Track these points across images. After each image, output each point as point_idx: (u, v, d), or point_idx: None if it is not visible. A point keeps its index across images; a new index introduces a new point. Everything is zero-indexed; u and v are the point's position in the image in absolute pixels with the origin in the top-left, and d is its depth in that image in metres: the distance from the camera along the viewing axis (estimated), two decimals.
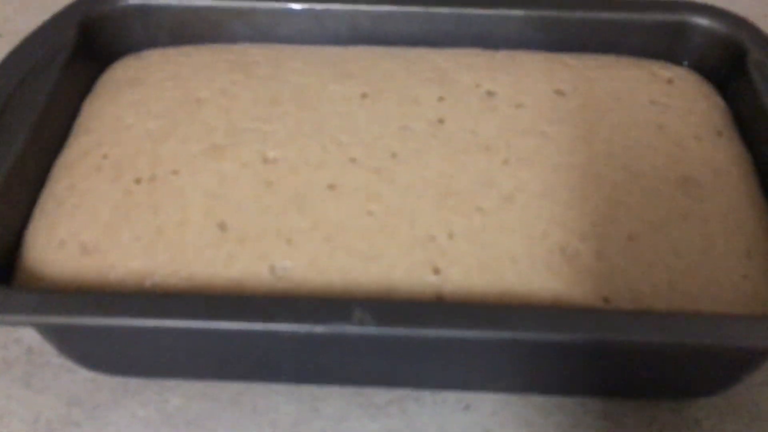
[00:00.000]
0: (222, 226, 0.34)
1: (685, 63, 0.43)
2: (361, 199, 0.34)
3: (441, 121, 0.38)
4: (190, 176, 0.35)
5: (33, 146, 0.37)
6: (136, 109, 0.39)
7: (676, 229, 0.33)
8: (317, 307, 0.29)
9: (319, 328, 0.29)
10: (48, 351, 0.39)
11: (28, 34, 0.41)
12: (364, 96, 0.39)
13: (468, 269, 0.32)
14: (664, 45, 0.43)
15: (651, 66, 0.41)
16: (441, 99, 0.39)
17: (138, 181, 0.35)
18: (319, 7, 0.43)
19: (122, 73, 0.42)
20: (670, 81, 0.40)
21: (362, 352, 0.33)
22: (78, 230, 0.34)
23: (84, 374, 0.38)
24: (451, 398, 0.37)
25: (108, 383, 0.38)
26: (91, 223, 0.34)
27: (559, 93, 0.39)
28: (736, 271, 0.32)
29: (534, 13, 0.43)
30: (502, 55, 0.42)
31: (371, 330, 0.29)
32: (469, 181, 0.35)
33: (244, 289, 0.32)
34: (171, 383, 0.38)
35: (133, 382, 0.38)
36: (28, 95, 0.38)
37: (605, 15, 0.43)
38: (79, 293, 0.31)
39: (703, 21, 0.42)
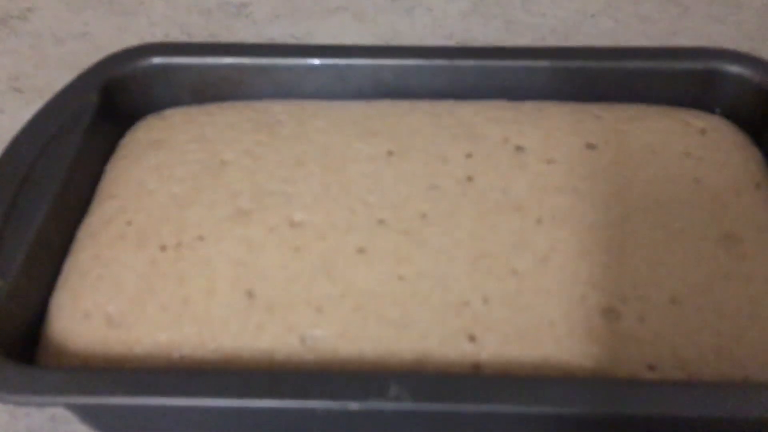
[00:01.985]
0: (250, 295, 0.33)
1: (718, 111, 0.42)
2: (391, 264, 0.33)
3: (470, 179, 0.37)
4: (215, 243, 0.35)
5: (56, 214, 0.36)
6: (159, 173, 0.38)
7: (720, 291, 0.32)
8: (352, 383, 0.28)
9: (353, 405, 0.28)
10: (71, 418, 0.38)
11: (51, 97, 0.41)
12: (390, 154, 0.38)
13: (505, 336, 0.31)
14: (695, 93, 0.42)
15: (683, 115, 0.40)
16: (469, 156, 0.38)
17: (163, 248, 0.35)
18: (341, 62, 0.43)
19: (145, 134, 0.41)
20: (703, 131, 0.39)
21: (396, 425, 0.32)
22: (103, 302, 0.33)
23: None
24: None
25: None
26: (116, 295, 0.33)
27: (591, 147, 0.38)
28: None
29: (560, 64, 0.42)
30: (529, 108, 0.41)
31: (408, 406, 0.27)
32: (501, 242, 0.34)
33: (274, 360, 0.31)
34: None
35: None
36: (51, 161, 0.38)
37: (633, 64, 0.42)
38: (104, 372, 0.30)
39: (733, 68, 0.41)
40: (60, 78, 0.44)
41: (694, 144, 0.38)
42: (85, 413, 0.34)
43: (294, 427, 0.33)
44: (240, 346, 0.31)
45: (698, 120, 0.40)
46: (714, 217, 0.35)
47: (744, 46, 0.43)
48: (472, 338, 0.31)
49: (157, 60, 0.43)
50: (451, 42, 0.58)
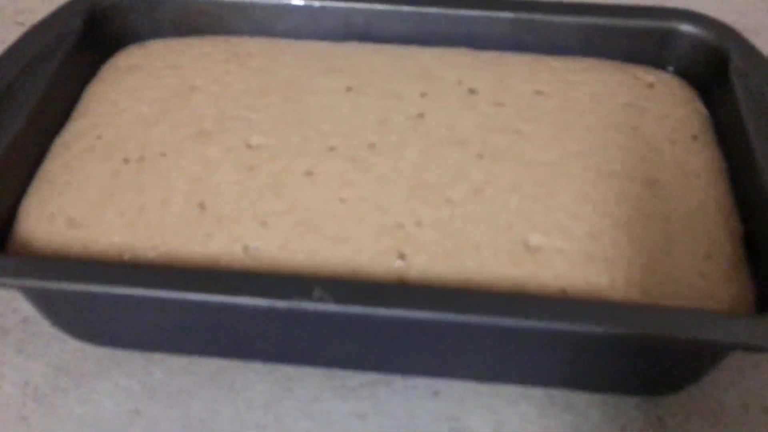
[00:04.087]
0: (202, 207, 0.35)
1: (671, 69, 0.44)
2: (335, 186, 0.36)
3: (421, 115, 0.39)
4: (176, 159, 0.37)
5: (33, 126, 0.39)
6: (131, 95, 0.41)
7: (638, 228, 0.34)
8: (280, 284, 0.31)
9: (280, 303, 0.30)
10: (42, 321, 0.41)
11: (36, 23, 0.43)
12: (348, 89, 0.40)
13: (432, 256, 0.33)
14: (650, 51, 0.44)
15: (635, 70, 0.42)
16: (423, 95, 0.40)
17: (126, 161, 0.37)
18: (315, 4, 0.45)
19: (124, 60, 0.44)
20: (651, 85, 0.41)
21: (332, 333, 0.34)
22: (66, 205, 0.36)
23: (73, 344, 0.40)
24: (421, 384, 0.38)
25: (95, 354, 0.40)
26: (79, 200, 0.36)
27: (539, 93, 0.40)
28: (694, 270, 0.33)
29: (522, 16, 0.44)
30: (487, 56, 0.43)
31: (330, 307, 0.30)
32: (441, 173, 0.36)
33: (218, 266, 0.34)
34: (157, 357, 0.39)
35: (120, 354, 0.39)
36: (31, 79, 0.40)
37: (592, 20, 0.44)
38: (58, 260, 0.32)
39: (689, 28, 0.43)
40: None
41: (639, 96, 0.40)
42: (50, 310, 0.37)
43: (239, 333, 0.36)
44: (188, 251, 0.34)
45: (648, 75, 0.42)
46: (645, 162, 0.37)
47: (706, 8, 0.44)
48: (402, 256, 0.33)
49: None
50: None
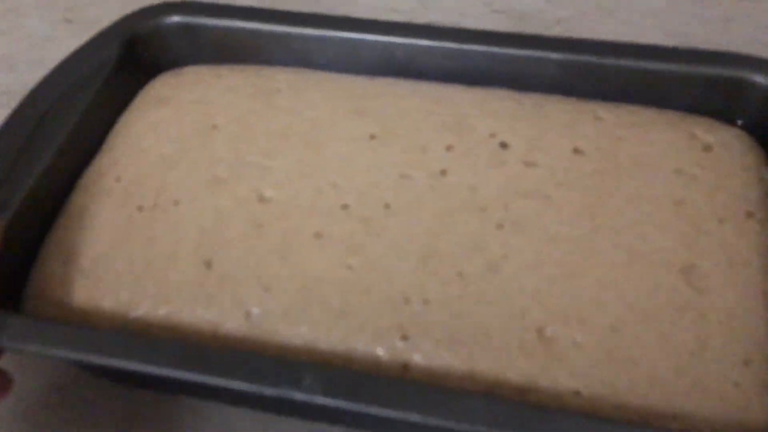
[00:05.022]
0: (208, 265, 0.35)
1: (739, 122, 0.39)
2: (343, 251, 0.34)
3: (443, 172, 0.36)
4: (188, 209, 0.36)
5: (63, 160, 0.39)
6: (156, 131, 0.40)
7: (668, 323, 0.31)
8: (270, 369, 0.29)
9: (268, 391, 0.29)
10: None
11: (75, 49, 0.43)
12: (372, 137, 0.38)
13: (438, 340, 0.31)
14: (716, 101, 0.39)
15: (693, 127, 0.38)
16: (449, 148, 0.37)
17: (140, 209, 0.37)
18: (354, 36, 0.43)
19: (156, 90, 0.43)
20: (708, 148, 0.37)
21: (322, 411, 0.33)
22: (80, 252, 0.36)
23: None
24: None
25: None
26: (93, 247, 0.36)
27: (578, 152, 0.37)
28: (727, 377, 0.30)
29: (573, 57, 0.40)
30: (530, 101, 0.40)
31: (318, 399, 0.29)
32: (456, 242, 0.34)
33: (218, 332, 0.33)
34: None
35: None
36: (67, 108, 0.40)
37: (652, 65, 0.39)
38: (57, 326, 0.32)
39: (759, 78, 0.38)
40: (109, 13, 0.46)
41: (691, 161, 0.36)
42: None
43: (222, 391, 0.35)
44: (189, 314, 0.33)
45: (708, 134, 0.38)
46: (685, 244, 0.33)
47: None
48: (405, 337, 0.32)
49: (178, 18, 0.45)
50: (488, 9, 0.56)
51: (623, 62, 0.40)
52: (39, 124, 0.40)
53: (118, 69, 0.43)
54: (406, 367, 0.31)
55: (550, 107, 0.39)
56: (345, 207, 0.36)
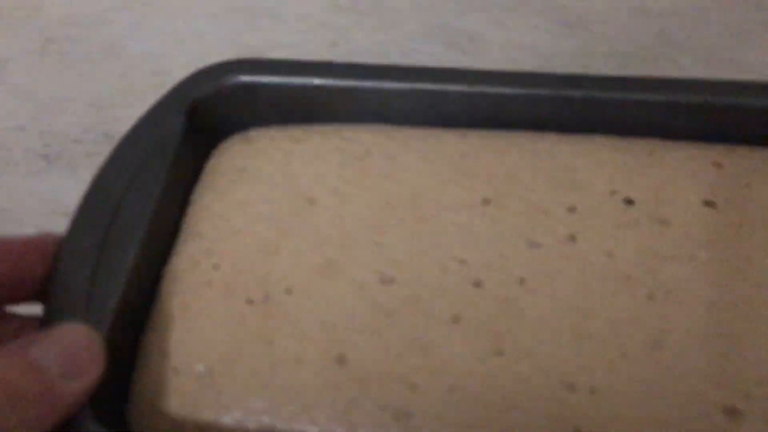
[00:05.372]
0: (341, 362, 0.32)
1: None
2: (487, 337, 0.32)
3: (572, 238, 0.34)
4: (304, 298, 0.33)
5: (147, 253, 0.35)
6: (244, 210, 0.37)
7: None
8: None
9: None
10: None
11: (136, 122, 0.40)
12: (486, 202, 0.36)
13: None
14: None
15: None
16: (572, 209, 0.35)
17: (250, 302, 0.34)
18: (435, 87, 0.40)
19: (229, 161, 0.40)
20: None
21: None
22: (191, 359, 0.32)
23: None
24: None
25: None
26: (205, 352, 0.32)
27: (709, 204, 0.35)
28: None
29: (681, 98, 0.38)
30: (638, 150, 0.38)
31: None
32: (608, 318, 0.32)
33: None
34: None
35: None
36: (139, 194, 0.36)
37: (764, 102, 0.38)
38: None
39: None
40: None
41: None
42: None
43: None
44: (332, 420, 0.30)
45: None
46: None
47: None
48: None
49: (241, 78, 0.41)
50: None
51: (737, 100, 0.38)
52: (115, 212, 0.36)
53: (183, 142, 0.40)
54: None
55: (662, 154, 0.37)
56: (478, 284, 0.33)
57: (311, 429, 0.30)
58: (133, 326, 0.35)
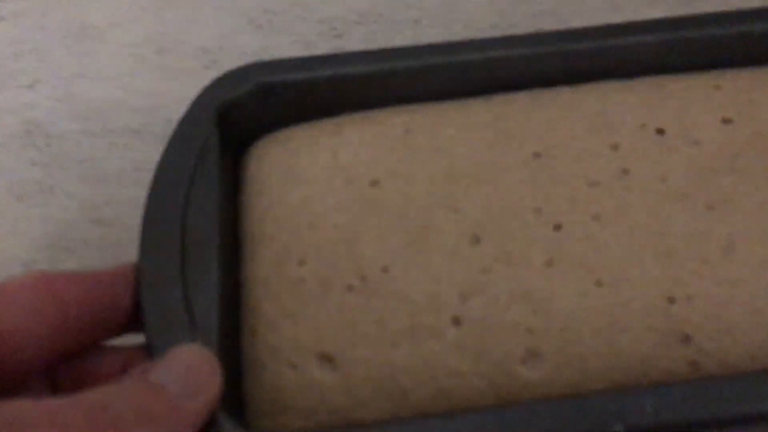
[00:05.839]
0: (455, 322, 0.33)
1: None
2: (584, 273, 0.34)
3: (626, 171, 0.37)
4: (402, 272, 0.34)
5: (225, 264, 0.35)
6: (309, 207, 0.37)
7: None
8: (608, 405, 0.29)
9: (618, 427, 0.29)
10: None
11: (172, 135, 0.39)
12: (536, 156, 0.38)
13: (717, 331, 0.32)
14: None
15: None
16: (614, 147, 0.38)
17: (350, 288, 0.34)
18: (451, 59, 0.42)
19: (271, 164, 0.40)
20: None
21: None
22: (307, 353, 0.33)
23: None
24: None
25: None
26: (320, 343, 0.33)
27: (727, 121, 0.39)
28: None
29: (668, 35, 0.42)
30: (646, 87, 0.41)
31: (669, 418, 0.29)
32: (681, 234, 0.35)
33: (498, 394, 0.32)
34: None
35: None
36: (199, 210, 0.36)
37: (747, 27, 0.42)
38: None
39: None
40: None
41: None
42: None
43: None
44: (458, 384, 0.32)
45: None
46: None
47: None
48: (686, 339, 0.32)
49: (266, 79, 0.42)
50: None
51: (715, 30, 0.42)
52: (183, 229, 0.36)
53: (220, 149, 0.39)
54: (695, 365, 0.32)
55: (670, 87, 0.41)
56: (558, 228, 0.35)
57: (445, 395, 0.32)
58: (229, 337, 0.35)
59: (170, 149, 0.38)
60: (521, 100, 0.41)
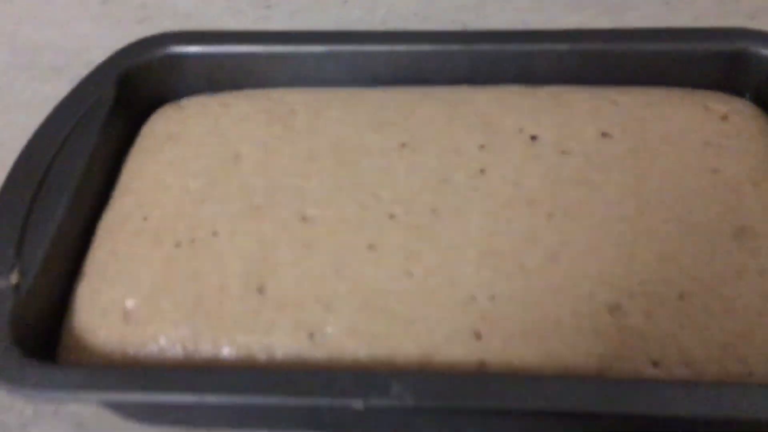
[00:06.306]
0: (261, 291, 0.34)
1: (747, 95, 0.41)
2: (400, 260, 0.34)
3: (482, 171, 0.37)
4: (229, 238, 0.35)
5: (76, 209, 0.37)
6: (175, 168, 0.39)
7: (730, 286, 0.32)
8: (356, 382, 0.29)
9: (357, 404, 0.28)
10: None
11: (69, 91, 0.42)
12: (403, 146, 0.38)
13: (510, 334, 0.31)
14: (721, 76, 0.41)
15: (704, 100, 0.39)
16: (482, 147, 0.38)
17: (178, 245, 0.35)
18: (354, 48, 0.43)
19: (161, 126, 0.42)
20: (724, 117, 0.38)
21: (401, 423, 0.33)
22: (119, 298, 0.34)
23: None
24: None
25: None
26: (133, 291, 0.34)
27: (606, 135, 0.37)
28: None
29: (579, 47, 0.41)
30: (545, 94, 0.40)
31: (409, 404, 0.28)
32: (511, 238, 0.34)
33: (285, 356, 0.32)
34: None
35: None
36: (70, 156, 0.39)
37: (655, 46, 0.41)
38: (118, 370, 0.31)
39: (762, 50, 0.40)
40: None
41: (713, 131, 0.37)
42: (108, 406, 0.36)
43: (304, 420, 0.34)
44: (251, 342, 0.32)
45: (720, 104, 0.39)
46: (729, 210, 0.34)
47: None
48: (477, 335, 0.31)
49: (173, 49, 0.44)
50: None
51: (628, 46, 0.41)
52: (43, 176, 0.38)
53: (114, 109, 0.42)
54: (482, 363, 0.31)
55: (564, 97, 0.40)
56: (392, 217, 0.35)
57: (231, 350, 0.32)
58: (67, 276, 0.37)
59: (66, 100, 0.41)
60: (414, 93, 0.41)
